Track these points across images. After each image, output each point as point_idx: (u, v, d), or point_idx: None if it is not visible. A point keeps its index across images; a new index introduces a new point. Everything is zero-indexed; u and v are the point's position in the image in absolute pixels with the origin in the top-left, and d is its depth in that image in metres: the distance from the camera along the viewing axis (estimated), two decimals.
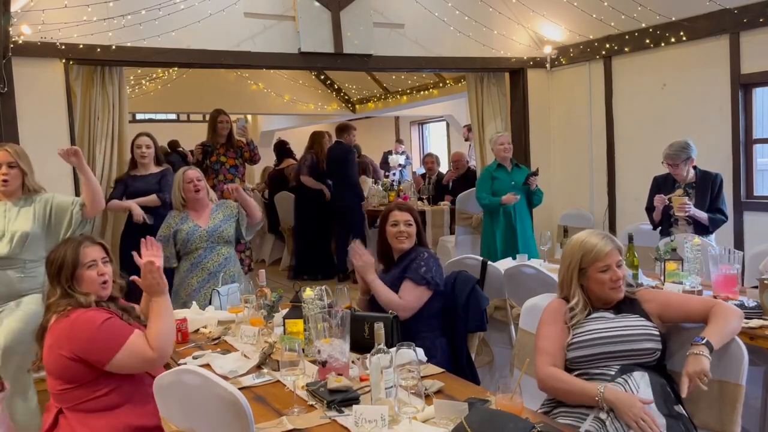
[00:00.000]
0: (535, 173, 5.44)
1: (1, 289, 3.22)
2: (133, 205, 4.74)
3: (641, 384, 2.14)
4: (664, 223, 4.40)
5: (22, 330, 3.17)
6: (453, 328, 3.00)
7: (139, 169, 4.94)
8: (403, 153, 12.02)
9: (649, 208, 4.53)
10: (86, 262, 2.42)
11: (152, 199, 4.82)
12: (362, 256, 2.99)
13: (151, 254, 2.60)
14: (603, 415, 2.07)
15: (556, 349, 2.29)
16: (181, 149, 10.00)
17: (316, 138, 7.66)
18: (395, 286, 2.97)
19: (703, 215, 4.20)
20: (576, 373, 2.27)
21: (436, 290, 2.96)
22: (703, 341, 2.12)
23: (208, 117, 6.30)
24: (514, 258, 4.41)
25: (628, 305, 2.36)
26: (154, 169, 4.96)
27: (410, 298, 2.93)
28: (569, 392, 2.18)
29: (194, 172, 4.12)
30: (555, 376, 2.22)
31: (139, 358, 2.31)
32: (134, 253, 2.65)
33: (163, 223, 4.12)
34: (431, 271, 2.95)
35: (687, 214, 4.18)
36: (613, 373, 2.19)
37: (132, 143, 4.98)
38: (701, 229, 4.29)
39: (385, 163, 11.78)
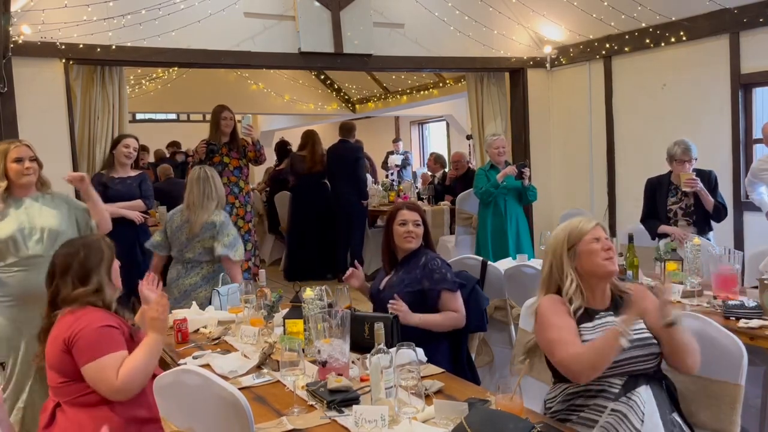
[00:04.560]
0: (524, 164, 5.43)
1: (38, 288, 3.05)
2: (124, 211, 4.68)
3: (646, 399, 2.10)
4: (664, 223, 4.41)
5: None
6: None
7: (118, 170, 4.81)
8: (403, 153, 12.00)
9: (646, 218, 4.52)
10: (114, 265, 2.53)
11: (138, 204, 4.80)
12: (400, 306, 2.81)
13: (152, 289, 2.79)
14: (622, 407, 2.07)
15: (572, 336, 2.15)
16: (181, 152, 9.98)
17: (310, 137, 7.66)
18: (404, 291, 2.90)
19: (709, 197, 4.24)
20: (575, 390, 2.19)
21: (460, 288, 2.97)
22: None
23: (209, 116, 5.99)
24: (514, 258, 4.41)
25: (624, 305, 2.28)
26: (131, 172, 4.88)
27: (458, 305, 2.91)
28: (599, 354, 2.05)
29: None
30: (579, 352, 2.09)
31: (101, 378, 2.24)
32: (141, 282, 2.84)
33: (229, 220, 4.07)
34: (453, 275, 2.95)
35: (695, 189, 4.21)
36: (616, 390, 2.12)
37: (116, 143, 4.84)
38: (701, 230, 4.31)
39: (386, 164, 11.78)
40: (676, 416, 2.14)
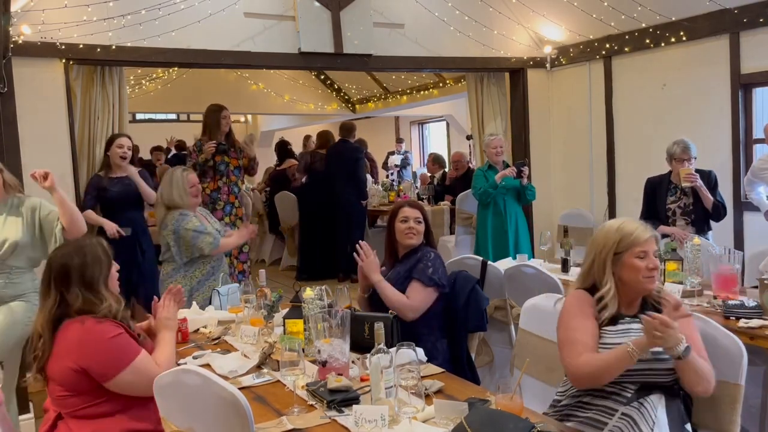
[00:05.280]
0: (523, 163, 5.44)
1: None
2: (106, 222, 4.60)
3: (658, 407, 2.08)
4: (663, 222, 4.41)
5: (5, 342, 3.14)
6: (453, 328, 3.00)
7: (115, 170, 4.77)
8: (404, 153, 12.02)
9: (645, 217, 4.52)
10: (113, 271, 2.45)
11: (149, 193, 4.74)
12: (368, 256, 2.96)
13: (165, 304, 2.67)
14: (632, 412, 2.05)
15: (588, 341, 2.12)
16: (186, 151, 9.97)
17: (330, 137, 7.71)
18: (400, 285, 2.94)
19: (708, 195, 4.25)
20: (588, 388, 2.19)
21: (442, 292, 2.95)
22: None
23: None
24: (514, 258, 4.41)
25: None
26: (130, 171, 4.82)
27: (419, 298, 2.90)
28: (603, 369, 2.05)
29: (195, 176, 4.07)
30: (586, 361, 2.08)
31: (146, 377, 2.22)
32: (155, 299, 2.72)
33: (190, 220, 3.93)
34: (438, 272, 2.93)
35: (694, 184, 4.23)
36: (629, 395, 2.10)
37: (110, 143, 4.78)
38: (699, 229, 4.32)
39: (386, 164, 11.80)
40: (688, 427, 2.13)
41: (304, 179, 7.84)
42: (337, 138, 7.68)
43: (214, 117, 5.59)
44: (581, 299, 2.24)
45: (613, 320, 2.19)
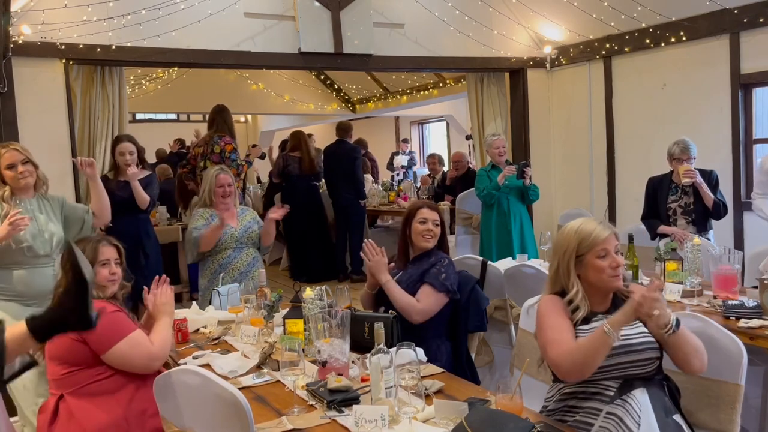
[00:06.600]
0: (526, 163, 5.45)
1: (44, 287, 3.26)
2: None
3: (642, 402, 2.07)
4: (664, 222, 4.41)
5: None
6: (453, 328, 2.99)
7: (122, 174, 4.68)
8: (409, 153, 12.01)
9: (646, 217, 4.52)
10: (101, 260, 2.56)
11: (142, 199, 4.69)
12: (375, 255, 2.94)
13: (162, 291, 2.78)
14: (617, 410, 2.05)
15: (565, 335, 2.13)
16: (185, 150, 9.95)
17: (301, 138, 7.67)
18: (411, 288, 2.92)
19: (708, 192, 4.24)
20: (570, 390, 2.19)
21: (452, 298, 2.93)
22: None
23: (209, 116, 6.12)
24: (514, 258, 4.41)
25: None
26: (139, 174, 4.69)
27: (428, 302, 2.88)
28: (585, 354, 2.04)
29: (226, 177, 4.15)
30: (569, 349, 2.08)
31: (141, 350, 2.38)
32: (144, 288, 2.77)
33: (195, 215, 4.15)
34: (450, 278, 2.91)
35: (693, 180, 4.21)
36: (612, 393, 2.10)
37: (113, 148, 4.74)
38: (701, 228, 4.32)
39: (391, 164, 11.80)
40: (677, 418, 2.12)
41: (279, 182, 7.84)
42: (334, 138, 7.67)
43: (230, 120, 5.92)
44: (554, 302, 2.25)
45: (586, 320, 2.20)
